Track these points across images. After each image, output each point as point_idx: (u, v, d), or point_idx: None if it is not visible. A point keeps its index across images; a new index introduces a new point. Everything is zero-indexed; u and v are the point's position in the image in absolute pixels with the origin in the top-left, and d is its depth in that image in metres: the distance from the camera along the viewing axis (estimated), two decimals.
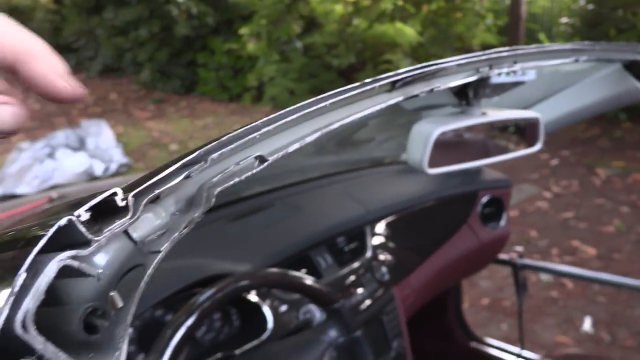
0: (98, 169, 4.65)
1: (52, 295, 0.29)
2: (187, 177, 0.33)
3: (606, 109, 1.30)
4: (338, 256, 1.26)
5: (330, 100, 0.45)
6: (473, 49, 5.67)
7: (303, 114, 0.42)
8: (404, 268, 1.37)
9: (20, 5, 8.94)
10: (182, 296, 0.97)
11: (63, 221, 0.26)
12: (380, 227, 1.39)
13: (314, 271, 1.19)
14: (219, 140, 0.35)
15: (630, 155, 4.58)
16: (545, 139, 0.89)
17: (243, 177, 0.36)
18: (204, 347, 1.03)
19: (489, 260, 1.71)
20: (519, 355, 1.69)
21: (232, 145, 0.36)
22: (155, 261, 0.31)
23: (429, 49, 5.98)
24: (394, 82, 0.55)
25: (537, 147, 0.89)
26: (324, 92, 0.45)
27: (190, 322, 0.81)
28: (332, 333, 0.94)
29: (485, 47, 5.58)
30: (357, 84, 0.49)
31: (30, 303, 0.25)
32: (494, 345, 1.79)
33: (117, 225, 0.29)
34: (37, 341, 0.25)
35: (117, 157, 4.91)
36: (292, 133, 0.42)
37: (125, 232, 0.31)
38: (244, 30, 6.73)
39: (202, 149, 0.34)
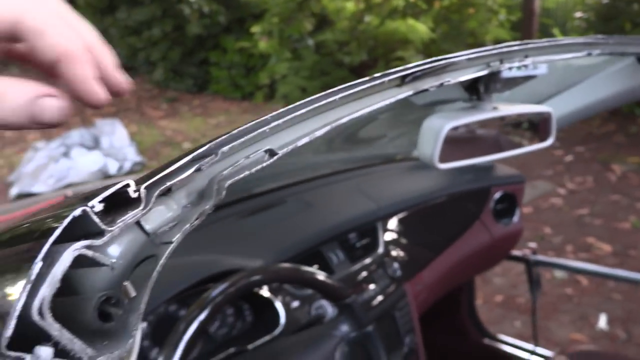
0: (112, 167, 4.69)
1: (68, 285, 0.30)
2: (198, 170, 0.34)
3: (620, 104, 1.29)
4: (350, 252, 1.26)
5: (340, 95, 0.45)
6: (486, 45, 5.63)
7: (313, 108, 0.42)
8: (416, 264, 1.37)
9: None
10: (195, 291, 0.98)
11: (77, 212, 0.27)
12: (392, 223, 1.39)
13: (325, 267, 1.19)
14: (230, 134, 0.36)
15: None
16: (559, 135, 0.89)
17: (253, 170, 0.37)
18: (217, 342, 1.04)
19: (502, 257, 1.71)
20: (532, 352, 1.68)
21: (242, 139, 0.36)
22: (168, 252, 0.31)
23: (441, 46, 5.96)
24: (404, 77, 0.55)
25: (549, 141, 0.88)
26: None
27: (203, 316, 0.82)
28: (344, 328, 0.95)
29: (498, 42, 5.54)
30: (366, 78, 0.49)
31: (46, 291, 0.25)
32: (507, 342, 1.78)
33: (130, 216, 0.29)
34: (54, 328, 0.26)
35: (131, 155, 4.95)
36: (301, 127, 0.43)
37: (138, 224, 0.32)
38: (255, 29, 6.75)
39: (213, 143, 0.35)
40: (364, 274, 1.24)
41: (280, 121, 0.39)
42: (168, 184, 0.32)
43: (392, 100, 0.54)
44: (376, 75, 0.50)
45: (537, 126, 0.91)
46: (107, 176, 4.63)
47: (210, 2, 7.23)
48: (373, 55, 6.44)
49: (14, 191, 4.36)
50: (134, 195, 0.29)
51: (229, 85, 7.35)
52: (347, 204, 1.34)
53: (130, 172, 4.76)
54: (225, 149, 0.35)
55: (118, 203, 0.29)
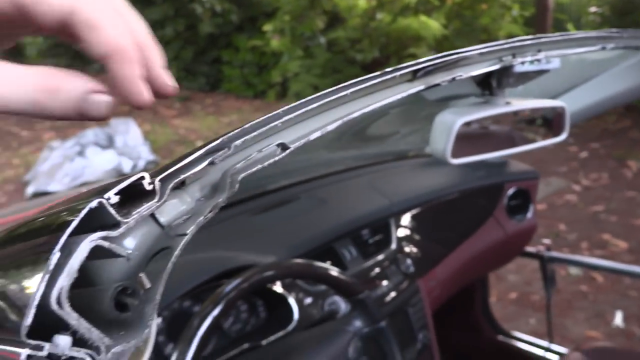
0: (126, 166, 4.73)
1: (85, 276, 0.30)
2: (211, 163, 0.34)
3: (635, 99, 1.27)
4: (363, 248, 1.26)
5: (351, 89, 0.46)
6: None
7: (324, 103, 0.43)
8: (430, 260, 1.37)
9: None
10: (208, 287, 0.99)
11: (94, 203, 0.28)
12: (406, 219, 1.39)
13: (338, 263, 1.20)
14: (242, 128, 0.36)
15: None
16: (573, 131, 0.88)
17: (266, 163, 0.37)
18: (231, 337, 1.05)
19: (515, 253, 1.70)
20: (547, 349, 1.67)
21: (255, 133, 0.37)
22: (182, 243, 0.32)
23: (453, 42, 5.93)
24: (416, 72, 0.55)
25: (563, 136, 0.88)
26: None
27: (216, 312, 0.83)
28: (357, 323, 0.95)
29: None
30: (377, 73, 0.49)
31: (64, 281, 0.26)
32: (521, 338, 1.78)
33: (145, 208, 0.30)
34: (72, 317, 0.26)
35: (145, 154, 4.99)
36: (313, 121, 0.43)
37: (153, 216, 0.32)
38: (267, 27, 6.76)
39: (226, 136, 0.35)
40: (377, 270, 1.25)
41: (292, 115, 0.39)
42: (182, 176, 0.32)
43: (404, 94, 0.54)
44: (387, 69, 0.50)
45: (550, 122, 0.91)
46: (121, 175, 4.67)
47: (222, 1, 7.26)
48: (385, 53, 6.42)
49: (30, 190, 4.42)
50: (148, 187, 0.30)
51: (241, 83, 7.38)
52: (360, 200, 1.35)
53: (144, 171, 4.79)
54: (238, 142, 0.36)
55: (133, 195, 0.30)
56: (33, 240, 0.31)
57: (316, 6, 6.60)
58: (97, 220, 0.28)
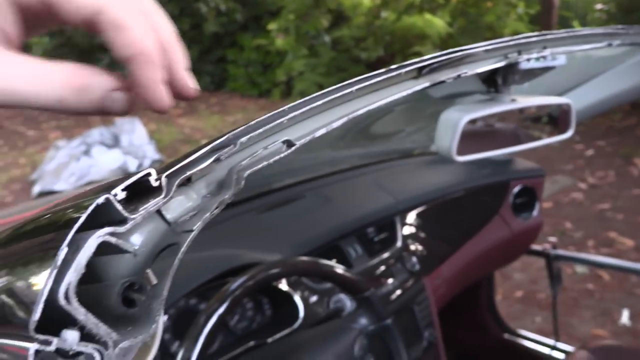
0: (132, 165, 4.75)
1: (92, 272, 0.30)
2: (217, 160, 0.34)
3: None
4: (368, 246, 1.26)
5: (357, 87, 0.46)
6: None
7: (329, 100, 0.43)
8: (435, 258, 1.37)
9: None
10: (214, 285, 0.99)
11: (101, 199, 0.28)
12: (411, 217, 1.39)
13: (344, 261, 1.20)
14: (248, 125, 0.37)
15: None
16: (579, 129, 0.88)
17: (271, 160, 0.37)
18: (237, 335, 1.05)
19: (521, 251, 1.69)
20: (553, 347, 1.67)
21: (261, 130, 0.37)
22: (189, 240, 0.32)
23: (458, 40, 5.91)
24: (421, 69, 0.55)
25: (569, 133, 0.87)
26: None
27: (222, 309, 0.83)
28: (363, 321, 0.95)
29: None
30: (383, 70, 0.49)
31: (72, 276, 0.26)
32: (527, 337, 1.77)
33: (152, 204, 0.30)
34: (79, 312, 0.26)
35: (150, 153, 5.01)
36: (319, 119, 0.43)
37: (159, 213, 0.32)
38: (272, 26, 6.77)
39: (231, 133, 0.35)
40: (383, 268, 1.25)
41: (297, 112, 0.39)
42: (188, 172, 0.32)
43: (409, 91, 0.54)
44: (393, 67, 0.50)
45: (556, 120, 0.90)
46: (127, 174, 4.68)
47: (227, 0, 7.27)
48: (390, 51, 6.42)
49: (36, 189, 4.44)
50: (155, 184, 0.30)
51: (246, 82, 7.38)
52: (365, 198, 1.35)
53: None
54: (243, 139, 0.36)
55: (140, 191, 0.30)
56: (40, 237, 0.31)
57: (321, 5, 6.60)
58: (104, 216, 0.28)
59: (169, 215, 0.33)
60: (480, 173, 1.53)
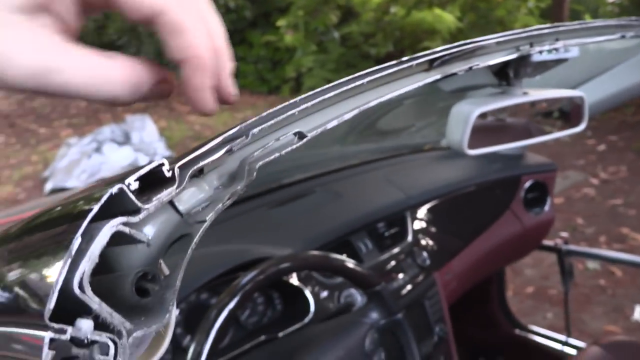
0: (143, 162, 4.77)
1: (106, 263, 0.31)
2: (229, 151, 0.34)
3: None
4: (379, 241, 1.26)
5: (368, 79, 0.46)
6: None
7: (341, 92, 0.43)
8: (446, 253, 1.37)
9: None
10: (225, 279, 0.99)
11: (115, 189, 0.28)
12: (422, 212, 1.39)
13: (354, 256, 1.20)
14: (259, 117, 0.37)
15: None
16: (591, 124, 0.87)
17: (283, 152, 0.37)
18: (247, 330, 1.06)
19: (533, 247, 1.68)
20: (565, 343, 1.66)
21: (272, 121, 0.37)
22: (201, 230, 0.32)
23: (468, 35, 5.88)
24: (432, 61, 0.55)
25: (582, 126, 0.87)
26: None
27: (233, 304, 0.83)
28: (374, 315, 0.95)
29: None
30: (394, 62, 0.49)
31: (86, 265, 0.26)
32: (539, 332, 1.76)
33: (165, 194, 0.30)
34: (94, 301, 0.27)
35: (161, 150, 5.03)
36: (330, 111, 0.43)
37: (172, 204, 0.33)
38: (281, 22, 6.76)
39: (243, 125, 0.35)
40: (393, 263, 1.24)
41: (308, 104, 0.39)
42: (201, 163, 0.32)
43: (420, 84, 0.54)
44: (404, 59, 0.50)
45: (568, 114, 0.90)
46: None
47: None
48: (399, 47, 6.39)
49: (48, 186, 4.48)
50: (168, 174, 0.30)
51: (255, 79, 7.39)
52: (375, 193, 1.34)
53: None
54: (255, 131, 0.36)
55: (153, 182, 0.30)
56: (53, 229, 0.31)
57: (330, 1, 6.58)
58: (117, 206, 0.28)
59: (181, 207, 0.33)
60: (491, 168, 1.53)
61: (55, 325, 0.27)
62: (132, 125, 5.24)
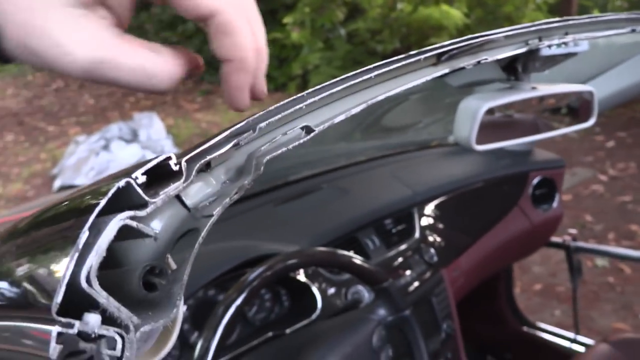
0: None
1: (113, 257, 0.30)
2: (236, 145, 0.34)
3: None
4: (386, 238, 1.26)
5: (375, 73, 0.45)
6: None
7: (348, 86, 0.42)
8: (453, 250, 1.36)
9: None
10: (232, 276, 0.99)
11: (122, 183, 0.28)
12: (429, 208, 1.38)
13: (361, 253, 1.20)
14: (267, 111, 0.36)
15: None
16: (599, 120, 0.86)
17: (290, 146, 0.37)
18: (255, 326, 1.06)
19: (541, 243, 1.68)
20: (573, 340, 1.65)
21: (280, 116, 0.37)
22: (208, 224, 0.32)
23: (475, 31, 5.84)
24: (440, 55, 0.54)
25: (591, 122, 0.86)
26: None
27: (240, 300, 0.83)
28: (381, 312, 0.95)
29: None
30: (402, 56, 0.49)
31: (93, 259, 0.26)
32: (547, 330, 1.76)
33: (172, 188, 0.30)
34: (101, 296, 0.27)
35: (168, 148, 5.04)
36: (337, 105, 0.43)
37: (179, 198, 0.32)
38: (287, 19, 6.75)
39: (251, 119, 0.35)
40: (400, 259, 1.24)
41: (316, 98, 0.39)
42: (208, 157, 0.32)
43: (428, 78, 0.53)
44: (412, 52, 0.50)
45: (576, 110, 0.89)
46: None
47: None
48: (406, 43, 6.37)
49: (57, 184, 4.50)
50: (175, 167, 0.30)
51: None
52: (382, 190, 1.34)
53: None
54: (262, 125, 0.35)
55: (160, 176, 0.30)
56: (61, 224, 0.31)
57: None
58: (124, 200, 0.28)
59: (188, 201, 0.33)
60: (499, 164, 1.52)
61: (63, 320, 0.27)
62: (140, 123, 5.26)
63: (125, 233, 0.28)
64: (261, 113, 0.36)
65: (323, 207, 1.25)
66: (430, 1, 6.05)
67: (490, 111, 0.78)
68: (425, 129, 1.72)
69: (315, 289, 1.06)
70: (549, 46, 0.68)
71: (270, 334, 1.00)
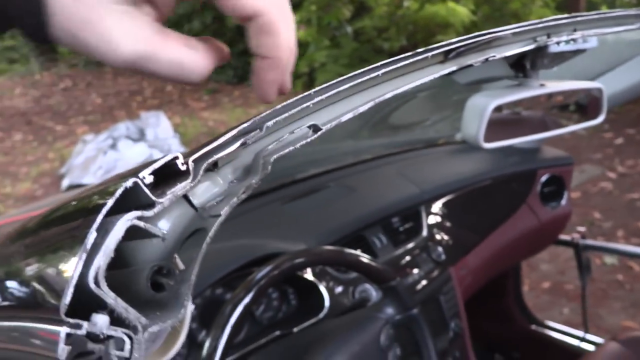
0: None
1: (121, 257, 0.30)
2: (243, 144, 0.34)
3: None
4: (393, 236, 1.25)
5: (383, 70, 0.45)
6: None
7: (355, 84, 0.42)
8: (461, 248, 1.35)
9: None
10: (240, 275, 0.99)
11: (129, 183, 0.28)
12: (436, 206, 1.38)
13: (369, 251, 1.19)
14: (274, 109, 0.36)
15: None
16: (608, 117, 0.85)
17: (298, 145, 0.37)
18: (262, 325, 1.06)
19: (549, 241, 1.67)
20: (582, 339, 1.64)
21: (287, 114, 0.37)
22: (216, 224, 0.32)
23: (482, 28, 5.80)
24: (447, 52, 0.54)
25: (600, 119, 0.85)
26: None
27: (248, 299, 0.83)
28: (389, 310, 0.94)
29: None
30: (409, 54, 0.48)
31: (101, 260, 0.26)
32: (555, 328, 1.75)
33: (179, 188, 0.30)
34: (109, 296, 0.26)
35: (175, 146, 5.05)
36: (345, 103, 0.42)
37: (186, 198, 0.32)
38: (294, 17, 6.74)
39: (258, 117, 0.35)
40: (408, 258, 1.24)
41: (323, 97, 0.39)
42: (215, 157, 0.32)
43: (436, 76, 0.53)
44: (419, 50, 0.50)
45: (584, 107, 0.88)
46: None
47: None
48: (412, 41, 6.35)
49: (65, 183, 4.52)
50: (182, 167, 0.30)
51: None
52: (389, 188, 1.34)
53: None
54: (269, 124, 0.35)
55: (167, 175, 0.30)
56: (69, 224, 0.31)
57: None
58: (132, 201, 0.28)
59: (195, 201, 0.33)
60: (507, 161, 1.51)
61: (71, 320, 0.26)
62: (147, 121, 5.28)
63: (132, 233, 0.28)
64: (268, 112, 0.36)
65: (330, 206, 1.25)
66: None
67: (498, 109, 0.77)
68: (432, 126, 1.72)
69: (322, 288, 1.06)
70: (558, 43, 0.68)
71: (277, 332, 1.00)
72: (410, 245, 1.26)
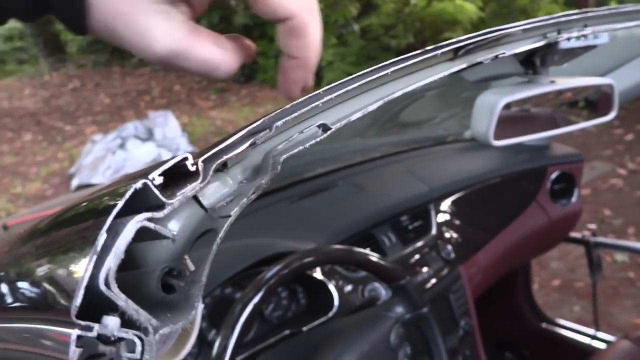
0: (166, 158, 4.81)
1: (131, 259, 0.30)
2: (252, 144, 0.34)
3: None
4: (402, 235, 1.25)
5: (392, 69, 0.45)
6: None
7: (364, 83, 0.42)
8: (471, 246, 1.35)
9: None
10: (249, 274, 0.99)
11: (139, 184, 0.27)
12: (446, 204, 1.37)
13: (378, 250, 1.19)
14: (283, 109, 0.36)
15: None
16: (619, 113, 0.84)
17: (307, 145, 0.37)
18: (272, 324, 1.06)
19: (560, 239, 1.66)
20: (593, 337, 1.63)
21: (296, 114, 0.36)
22: (226, 225, 0.32)
23: (490, 25, 5.78)
24: (457, 50, 0.53)
25: (611, 115, 0.84)
26: None
27: (257, 298, 0.83)
28: (399, 309, 0.94)
29: None
30: (418, 51, 0.48)
31: (111, 262, 0.26)
32: (566, 326, 1.74)
33: (189, 189, 0.29)
34: (120, 298, 0.26)
35: (183, 146, 5.07)
36: (354, 102, 0.42)
37: (196, 199, 0.32)
38: None
39: (267, 117, 0.35)
40: (417, 256, 1.23)
41: (332, 96, 0.39)
42: (224, 157, 0.32)
43: (445, 74, 0.52)
44: (428, 48, 0.49)
45: (595, 103, 0.87)
46: None
47: None
48: (420, 38, 6.32)
49: (74, 183, 4.55)
50: (192, 168, 0.30)
51: (276, 74, 7.36)
52: (398, 186, 1.33)
53: None
54: (279, 123, 0.35)
55: (177, 176, 0.30)
56: (79, 225, 0.31)
57: None
58: (142, 202, 0.28)
59: (205, 202, 0.33)
60: (517, 159, 1.50)
61: (82, 323, 0.26)
62: (155, 121, 5.29)
63: (143, 234, 0.28)
64: (277, 111, 0.36)
65: (339, 204, 1.25)
66: None
67: (507, 106, 0.77)
68: (441, 124, 1.71)
69: (332, 287, 1.06)
70: (568, 39, 0.67)
71: (287, 331, 1.00)
72: (420, 243, 1.26)
